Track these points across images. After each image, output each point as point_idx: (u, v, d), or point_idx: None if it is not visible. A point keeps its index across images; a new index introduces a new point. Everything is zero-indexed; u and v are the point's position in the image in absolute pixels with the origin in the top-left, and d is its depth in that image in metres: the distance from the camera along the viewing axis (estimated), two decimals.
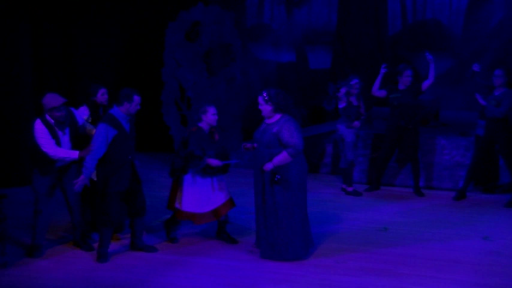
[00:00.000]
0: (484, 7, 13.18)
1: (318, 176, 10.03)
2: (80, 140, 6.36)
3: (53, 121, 6.14)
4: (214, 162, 6.50)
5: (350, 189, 8.96)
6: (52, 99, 6.11)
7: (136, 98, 6.11)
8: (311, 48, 13.71)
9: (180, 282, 5.72)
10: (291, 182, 6.12)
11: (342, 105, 8.81)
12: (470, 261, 6.29)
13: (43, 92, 6.31)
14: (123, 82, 9.21)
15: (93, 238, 6.75)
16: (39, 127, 6.09)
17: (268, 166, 6.03)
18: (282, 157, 6.01)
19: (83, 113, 6.74)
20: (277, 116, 6.14)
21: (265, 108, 6.14)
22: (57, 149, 6.12)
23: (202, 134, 6.53)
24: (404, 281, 5.76)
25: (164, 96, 10.32)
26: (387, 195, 8.95)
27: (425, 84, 8.72)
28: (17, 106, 9.07)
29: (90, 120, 6.74)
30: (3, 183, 8.47)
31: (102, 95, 6.87)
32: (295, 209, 6.18)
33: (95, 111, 6.85)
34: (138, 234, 6.50)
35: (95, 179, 6.27)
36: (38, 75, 9.48)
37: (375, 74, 8.88)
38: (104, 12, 10.90)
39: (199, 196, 6.59)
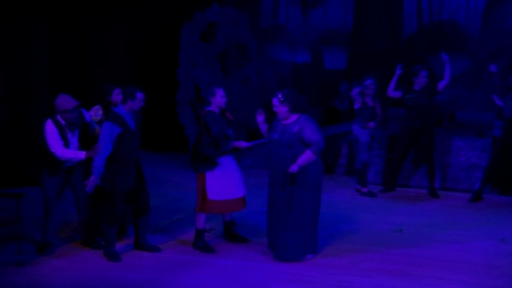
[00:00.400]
0: (501, 7, 13.07)
1: (333, 177, 10.00)
2: (88, 140, 6.37)
3: (63, 122, 6.18)
4: (243, 144, 6.38)
5: (365, 190, 8.92)
6: (65, 102, 6.13)
7: (139, 95, 6.12)
8: (326, 49, 13.68)
9: (193, 282, 5.71)
10: (309, 183, 6.11)
11: (357, 105, 8.80)
12: (485, 263, 6.23)
13: (58, 92, 6.35)
14: (139, 82, 9.26)
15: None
16: (49, 127, 6.13)
17: (294, 168, 5.99)
18: (306, 156, 5.98)
19: (96, 113, 6.78)
20: (295, 116, 6.11)
21: (281, 109, 6.11)
22: (64, 149, 6.15)
23: (215, 115, 6.39)
24: (418, 282, 5.71)
25: (179, 96, 10.35)
26: (402, 196, 8.90)
27: (441, 85, 8.67)
28: (33, 105, 9.15)
29: (104, 120, 6.77)
30: (20, 182, 8.53)
31: (116, 95, 6.87)
32: (311, 210, 6.17)
33: (108, 111, 6.88)
34: (142, 234, 6.49)
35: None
36: (53, 75, 9.55)
37: (390, 75, 8.83)
38: (120, 13, 10.95)
39: (229, 182, 6.42)
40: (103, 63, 10.65)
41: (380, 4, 13.30)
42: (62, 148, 6.15)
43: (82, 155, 6.16)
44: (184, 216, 7.77)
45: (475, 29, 13.48)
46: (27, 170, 8.95)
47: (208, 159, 6.35)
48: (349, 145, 10.01)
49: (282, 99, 6.07)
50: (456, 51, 12.33)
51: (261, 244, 6.63)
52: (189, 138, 10.28)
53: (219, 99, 6.41)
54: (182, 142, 10.63)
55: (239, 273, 5.91)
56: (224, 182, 6.40)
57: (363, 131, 8.78)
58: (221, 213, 6.71)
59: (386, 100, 9.51)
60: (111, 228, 6.24)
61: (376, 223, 7.54)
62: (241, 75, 10.72)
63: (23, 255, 6.14)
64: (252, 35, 10.78)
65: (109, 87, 6.91)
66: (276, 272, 5.96)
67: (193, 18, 10.33)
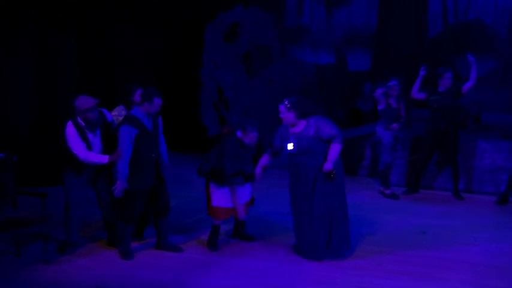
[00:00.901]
0: None
1: (356, 179, 9.97)
2: (111, 141, 6.39)
3: (83, 124, 6.21)
4: (257, 176, 6.43)
5: (388, 191, 8.90)
6: (84, 101, 6.17)
7: (157, 101, 6.15)
8: (350, 50, 13.61)
9: (216, 283, 5.74)
10: (335, 185, 6.16)
11: (380, 106, 8.78)
12: (511, 267, 6.18)
13: (81, 93, 6.42)
14: (162, 83, 9.32)
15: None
16: (70, 130, 6.18)
17: (329, 166, 6.01)
18: (335, 150, 6.03)
19: (120, 113, 6.81)
20: (303, 122, 6.14)
21: (288, 116, 6.13)
22: (87, 152, 6.19)
23: (236, 146, 6.46)
24: (442, 285, 5.69)
25: (202, 97, 10.40)
26: (425, 198, 8.86)
27: (466, 87, 8.61)
28: (61, 105, 9.25)
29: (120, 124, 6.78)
30: (48, 182, 8.60)
31: (139, 96, 6.85)
32: (340, 210, 6.22)
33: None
34: (163, 234, 6.56)
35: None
36: (80, 76, 9.66)
37: (414, 76, 8.80)
38: (144, 14, 11.04)
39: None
40: (127, 64, 10.73)
41: (405, 4, 13.21)
42: (85, 151, 6.19)
43: (105, 159, 6.20)
44: (204, 216, 7.82)
45: (503, 28, 13.31)
46: (55, 170, 9.07)
47: (218, 177, 6.46)
48: (372, 146, 9.96)
49: (288, 105, 6.10)
50: (483, 52, 12.19)
51: (283, 244, 6.66)
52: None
53: (248, 137, 6.46)
54: (205, 143, 10.66)
55: (262, 274, 5.94)
56: (227, 191, 6.52)
57: (386, 133, 8.76)
58: (225, 218, 6.79)
59: (411, 101, 9.47)
60: (126, 226, 6.32)
61: (399, 225, 7.52)
62: (264, 76, 10.73)
63: (48, 254, 6.24)
64: (276, 35, 10.79)
65: (132, 87, 6.93)
66: (300, 272, 5.98)
67: (217, 19, 10.37)
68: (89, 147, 6.25)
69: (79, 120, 6.23)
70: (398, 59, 12.65)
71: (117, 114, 6.78)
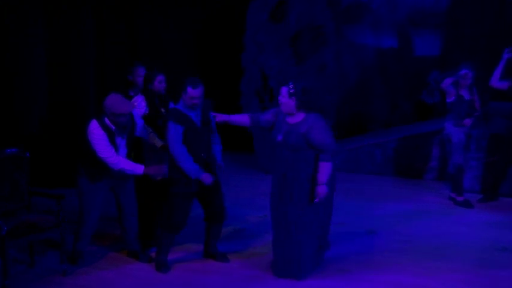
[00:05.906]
0: None
1: (422, 183, 9.86)
2: (135, 144, 6.38)
3: (113, 127, 6.06)
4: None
5: (460, 198, 8.74)
6: (120, 105, 5.97)
7: (190, 91, 6.00)
8: (417, 32, 13.46)
9: None
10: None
11: (450, 99, 8.65)
12: None
13: (105, 83, 6.37)
14: (198, 70, 9.32)
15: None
16: (97, 131, 6.00)
17: (323, 190, 5.96)
18: (325, 170, 5.95)
19: (140, 105, 6.62)
20: (302, 115, 6.02)
21: (287, 102, 5.98)
22: (118, 158, 6.07)
23: None
24: None
25: (244, 85, 10.37)
26: (505, 208, 8.66)
27: None
28: (79, 102, 9.34)
29: (147, 113, 6.63)
30: (65, 183, 8.68)
31: (159, 83, 6.65)
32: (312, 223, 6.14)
33: (151, 102, 6.68)
34: (212, 242, 6.61)
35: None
36: (100, 67, 9.71)
37: (495, 62, 8.58)
38: None
39: None
40: (159, 49, 10.79)
41: None
42: (115, 155, 6.06)
43: (140, 169, 6.12)
44: (245, 226, 7.84)
45: None
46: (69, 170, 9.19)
47: None
48: (441, 146, 9.84)
49: (292, 91, 5.96)
50: None
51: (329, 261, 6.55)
52: (254, 136, 10.26)
53: None
54: (246, 141, 10.61)
55: None
56: None
57: (456, 129, 8.62)
58: None
59: (488, 92, 9.29)
60: (166, 235, 6.31)
61: (474, 239, 7.36)
62: (316, 62, 10.66)
63: (65, 264, 6.26)
64: (329, 14, 10.71)
65: (151, 74, 6.68)
66: None
67: None
68: (117, 150, 6.13)
69: (107, 122, 6.06)
70: (474, 41, 12.43)
71: (137, 106, 6.62)
